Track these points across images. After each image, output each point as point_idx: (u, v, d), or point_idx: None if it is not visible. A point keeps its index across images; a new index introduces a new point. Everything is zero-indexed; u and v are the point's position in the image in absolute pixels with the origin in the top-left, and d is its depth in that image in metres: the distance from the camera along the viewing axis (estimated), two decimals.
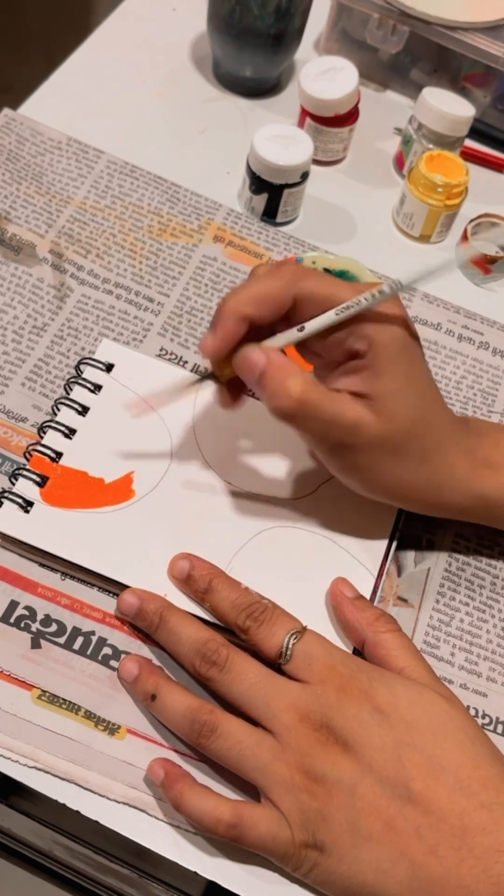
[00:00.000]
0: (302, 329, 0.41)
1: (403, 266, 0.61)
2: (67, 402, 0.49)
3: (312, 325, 0.41)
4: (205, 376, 0.44)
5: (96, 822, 0.39)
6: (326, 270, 0.54)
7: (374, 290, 0.40)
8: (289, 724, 0.38)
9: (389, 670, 0.40)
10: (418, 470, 0.43)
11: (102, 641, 0.43)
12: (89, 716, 0.41)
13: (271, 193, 0.59)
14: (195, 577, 0.43)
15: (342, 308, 0.40)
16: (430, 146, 0.63)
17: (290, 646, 0.40)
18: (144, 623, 0.42)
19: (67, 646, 0.43)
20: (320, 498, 0.48)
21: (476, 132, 0.68)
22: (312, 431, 0.41)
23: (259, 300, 0.41)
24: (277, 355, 0.41)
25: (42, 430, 0.48)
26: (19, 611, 0.43)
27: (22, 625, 0.43)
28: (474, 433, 0.45)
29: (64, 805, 0.39)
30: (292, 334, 0.41)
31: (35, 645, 0.42)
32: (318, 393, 0.40)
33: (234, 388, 0.45)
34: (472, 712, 0.45)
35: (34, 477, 0.46)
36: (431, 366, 0.56)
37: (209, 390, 0.50)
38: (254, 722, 0.39)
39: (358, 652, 0.43)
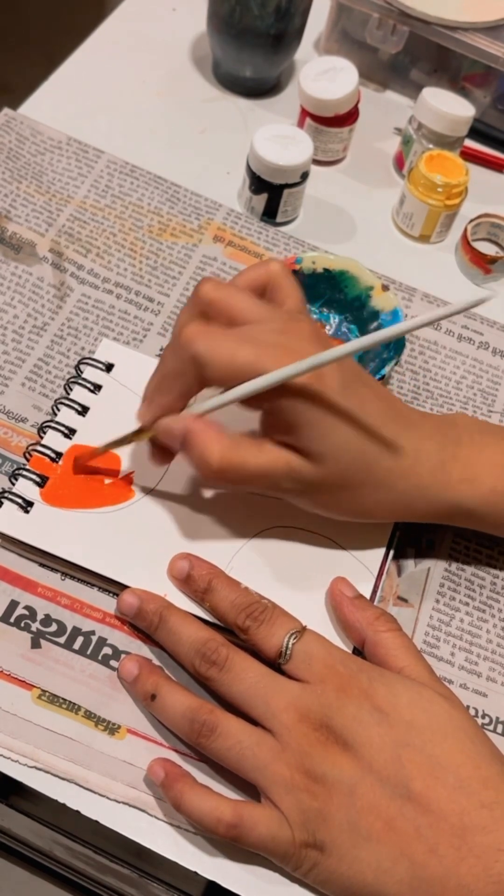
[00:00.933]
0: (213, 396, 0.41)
1: (403, 266, 0.61)
2: (67, 402, 0.49)
3: (221, 398, 0.41)
4: (134, 435, 0.44)
5: (96, 821, 0.39)
6: (326, 270, 0.54)
7: (293, 366, 0.38)
8: (289, 723, 0.38)
9: (389, 670, 0.40)
10: (378, 496, 0.43)
11: (102, 641, 0.43)
12: (89, 715, 0.41)
13: (271, 193, 0.59)
14: (195, 577, 0.43)
15: (255, 383, 0.39)
16: (430, 146, 0.63)
17: (290, 645, 0.40)
18: (144, 623, 0.42)
19: (67, 646, 0.43)
20: None
21: (476, 132, 0.68)
22: (246, 485, 0.42)
23: (174, 379, 0.41)
24: (196, 422, 0.41)
25: (42, 430, 0.48)
26: (19, 610, 0.43)
27: (22, 625, 0.43)
28: (451, 442, 0.44)
29: (64, 805, 0.39)
30: (211, 401, 0.41)
31: (35, 645, 0.42)
32: (241, 452, 0.40)
33: (164, 447, 0.45)
34: (472, 712, 0.45)
35: (34, 477, 0.46)
36: (431, 366, 0.56)
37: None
38: (254, 722, 0.39)
39: (358, 652, 0.43)
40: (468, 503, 0.44)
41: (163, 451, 0.45)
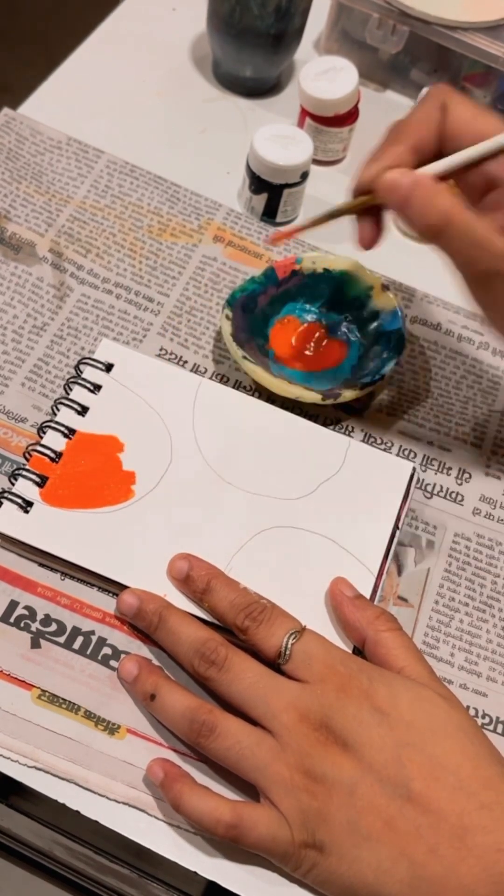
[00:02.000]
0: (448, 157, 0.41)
1: (404, 266, 0.61)
2: (67, 402, 0.49)
3: (462, 155, 0.41)
4: (333, 214, 0.44)
5: (96, 821, 0.39)
6: (326, 270, 0.54)
7: None
8: (288, 723, 0.38)
9: (389, 669, 0.40)
10: None
11: (102, 641, 0.43)
12: (89, 715, 0.41)
13: (271, 193, 0.59)
14: (194, 578, 0.43)
15: (492, 142, 0.40)
16: None
17: (290, 645, 0.40)
18: (144, 623, 0.42)
19: (67, 645, 0.43)
20: (320, 498, 0.48)
21: None
22: (460, 252, 0.41)
23: (417, 126, 0.42)
24: (425, 176, 0.41)
25: (42, 430, 0.48)
26: (19, 610, 0.43)
27: (22, 624, 0.43)
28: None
29: (64, 805, 0.39)
30: (440, 163, 0.41)
31: (35, 645, 0.42)
32: (469, 213, 0.40)
33: (371, 223, 0.44)
34: (472, 712, 0.45)
35: (34, 477, 0.46)
36: (431, 365, 0.56)
37: (209, 390, 0.50)
38: (253, 722, 0.39)
39: (358, 652, 0.43)
40: None
41: (372, 229, 0.44)
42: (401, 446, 0.52)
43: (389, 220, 0.43)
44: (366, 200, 0.43)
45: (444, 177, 0.42)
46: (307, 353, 0.54)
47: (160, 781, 0.38)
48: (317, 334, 0.55)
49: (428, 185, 0.41)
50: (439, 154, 0.42)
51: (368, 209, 0.45)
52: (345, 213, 0.44)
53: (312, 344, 0.55)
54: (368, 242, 0.45)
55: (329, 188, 0.65)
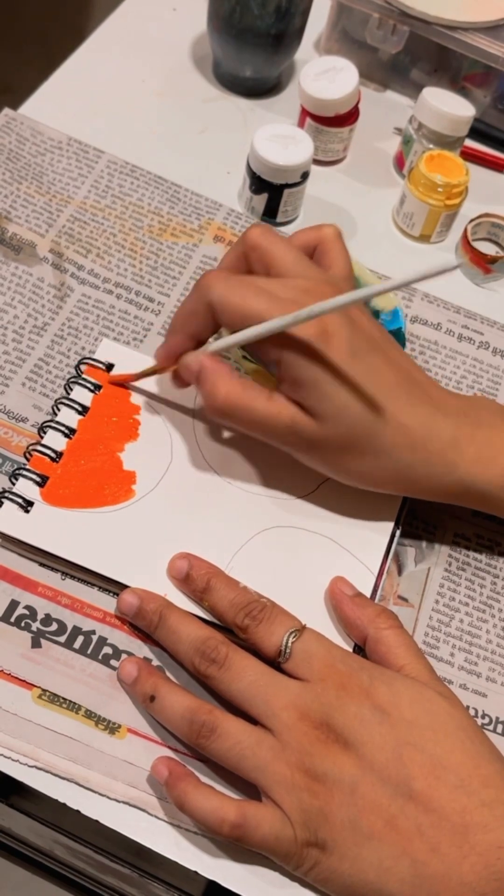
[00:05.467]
0: (217, 338, 0.44)
1: (404, 266, 0.61)
2: (67, 402, 0.49)
3: (226, 340, 0.43)
4: (155, 369, 0.48)
5: (97, 821, 0.39)
6: None
7: (293, 314, 0.40)
8: (289, 722, 0.38)
9: (390, 667, 0.40)
10: (380, 463, 0.43)
11: (103, 641, 0.43)
12: (90, 715, 0.41)
13: (271, 193, 0.59)
14: (194, 577, 0.43)
15: (255, 330, 0.41)
16: (430, 146, 0.63)
17: (290, 644, 0.40)
18: (144, 622, 0.43)
19: (68, 645, 0.43)
20: (320, 498, 0.48)
21: (476, 132, 0.68)
22: (250, 429, 0.43)
23: (187, 319, 0.44)
24: (210, 360, 0.43)
25: (42, 429, 0.48)
26: (20, 610, 0.43)
27: (22, 624, 0.43)
28: (470, 423, 0.44)
29: (64, 804, 0.39)
30: (221, 341, 0.43)
31: (35, 644, 0.42)
32: (249, 394, 0.42)
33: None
34: (472, 712, 0.45)
35: (34, 477, 0.46)
36: (431, 366, 0.56)
37: None
38: (254, 721, 0.39)
39: (359, 650, 0.43)
40: (480, 485, 0.44)
41: (181, 379, 0.46)
42: None
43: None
44: (169, 370, 0.47)
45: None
46: None
47: (165, 780, 0.38)
48: None
49: (211, 370, 0.43)
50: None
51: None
52: (156, 373, 0.48)
53: None
54: (179, 385, 0.48)
55: (329, 188, 0.65)
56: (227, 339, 0.43)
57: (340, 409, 0.42)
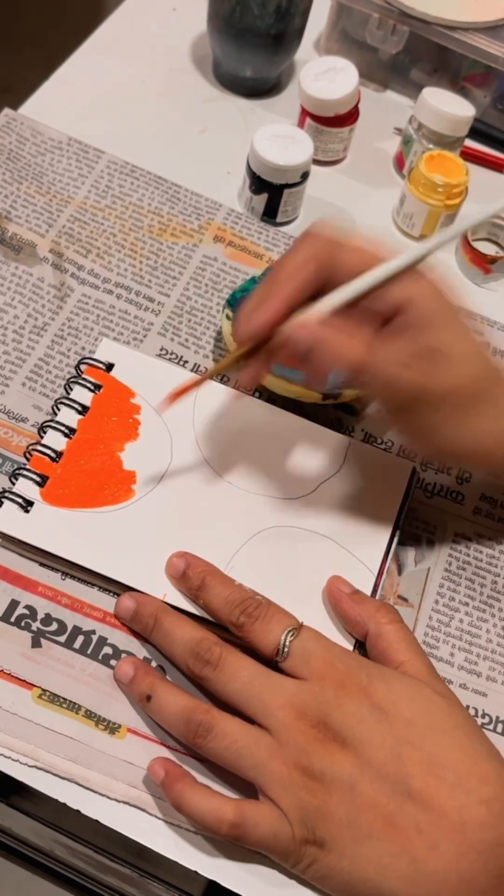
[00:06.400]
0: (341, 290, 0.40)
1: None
2: (67, 402, 0.49)
3: (354, 286, 0.40)
4: (226, 365, 0.42)
5: (97, 821, 0.39)
6: None
7: (409, 252, 0.39)
8: (285, 721, 0.38)
9: (390, 663, 0.40)
10: (499, 423, 0.42)
11: (103, 641, 0.43)
12: (90, 715, 0.41)
13: (271, 193, 0.59)
14: (189, 575, 0.43)
15: (380, 271, 0.39)
16: (430, 146, 0.63)
17: (288, 643, 0.40)
18: (140, 626, 0.43)
19: (68, 645, 0.43)
20: (320, 498, 0.48)
21: (476, 132, 0.68)
22: (377, 393, 0.41)
23: (303, 267, 0.39)
24: (326, 329, 0.39)
25: (42, 429, 0.48)
26: (20, 610, 0.43)
27: (22, 624, 0.43)
28: None
29: (64, 804, 0.39)
30: (333, 297, 0.40)
31: (35, 644, 0.42)
32: (381, 356, 0.39)
33: (256, 365, 0.42)
34: (472, 712, 0.45)
35: (34, 477, 0.46)
36: None
37: (209, 390, 0.50)
38: (251, 721, 0.39)
39: (360, 646, 0.43)
40: None
41: (256, 370, 0.42)
42: (401, 446, 0.52)
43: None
44: (253, 347, 0.41)
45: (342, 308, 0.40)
46: None
47: (161, 781, 0.38)
48: None
49: (332, 338, 0.39)
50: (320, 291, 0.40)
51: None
52: (237, 362, 0.41)
53: None
54: (251, 385, 0.43)
55: (329, 188, 0.65)
56: (352, 285, 0.39)
57: (471, 350, 0.40)
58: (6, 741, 0.40)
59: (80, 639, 0.43)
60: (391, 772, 0.37)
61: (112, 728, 0.41)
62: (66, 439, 0.47)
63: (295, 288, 0.39)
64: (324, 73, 0.62)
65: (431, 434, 0.42)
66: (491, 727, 0.44)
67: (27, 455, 0.47)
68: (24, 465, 0.47)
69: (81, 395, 0.49)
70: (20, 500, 0.45)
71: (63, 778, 0.40)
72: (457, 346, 0.40)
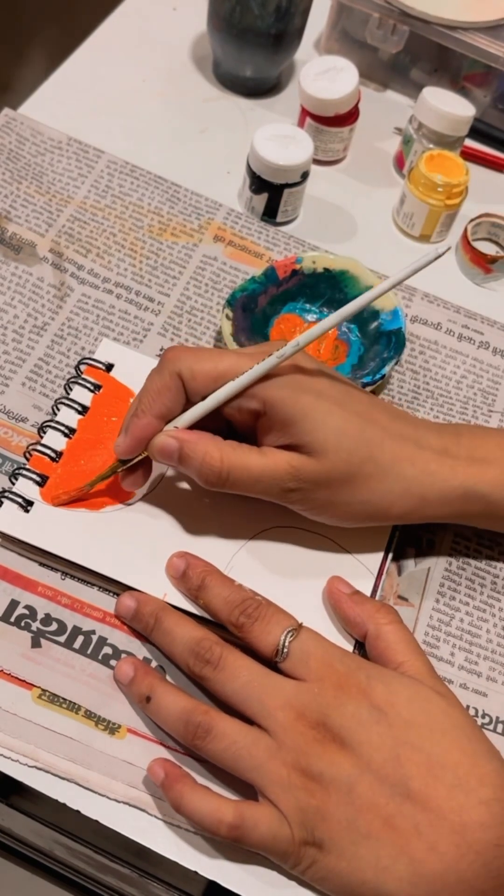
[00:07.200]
0: (199, 402, 0.42)
1: (404, 266, 0.61)
2: (67, 402, 0.49)
3: (209, 402, 0.42)
4: (115, 469, 0.44)
5: (97, 821, 0.39)
6: (327, 270, 0.54)
7: (266, 357, 0.41)
8: (285, 722, 0.38)
9: (389, 663, 0.40)
10: (388, 486, 0.43)
11: (103, 641, 0.43)
12: (90, 715, 0.41)
13: (271, 193, 0.59)
14: (189, 575, 0.43)
15: (235, 382, 0.41)
16: (431, 146, 0.63)
17: (287, 643, 0.40)
18: (140, 625, 0.43)
19: (68, 645, 0.43)
20: None
21: (476, 132, 0.68)
22: (251, 488, 0.42)
23: (157, 396, 0.42)
24: (188, 433, 0.42)
25: (42, 429, 0.48)
26: (19, 610, 0.43)
27: (22, 624, 0.43)
28: (450, 433, 0.45)
29: (64, 804, 0.39)
30: (195, 410, 0.42)
31: (35, 644, 0.42)
32: (241, 452, 0.41)
33: (142, 468, 0.45)
34: (472, 712, 0.45)
35: (34, 477, 0.46)
36: (431, 365, 0.56)
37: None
38: (250, 721, 0.39)
39: (360, 647, 0.43)
40: (481, 487, 0.43)
41: (137, 476, 0.45)
42: None
43: (154, 463, 0.45)
44: (132, 462, 0.44)
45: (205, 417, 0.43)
46: None
47: (161, 782, 0.38)
48: None
49: (194, 442, 0.41)
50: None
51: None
52: (117, 472, 0.45)
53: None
54: (136, 488, 0.45)
55: (329, 188, 0.65)
56: (207, 401, 0.42)
57: (338, 434, 0.41)
58: (6, 741, 0.40)
59: (80, 639, 0.43)
60: (390, 773, 0.37)
61: (112, 728, 0.41)
62: (65, 439, 0.47)
63: (161, 404, 0.42)
64: (324, 73, 0.62)
65: (323, 510, 0.44)
66: (491, 727, 0.44)
67: (27, 455, 0.47)
68: (24, 464, 0.47)
69: (81, 395, 0.49)
70: (20, 500, 0.45)
71: (63, 778, 0.40)
72: (317, 436, 0.41)
